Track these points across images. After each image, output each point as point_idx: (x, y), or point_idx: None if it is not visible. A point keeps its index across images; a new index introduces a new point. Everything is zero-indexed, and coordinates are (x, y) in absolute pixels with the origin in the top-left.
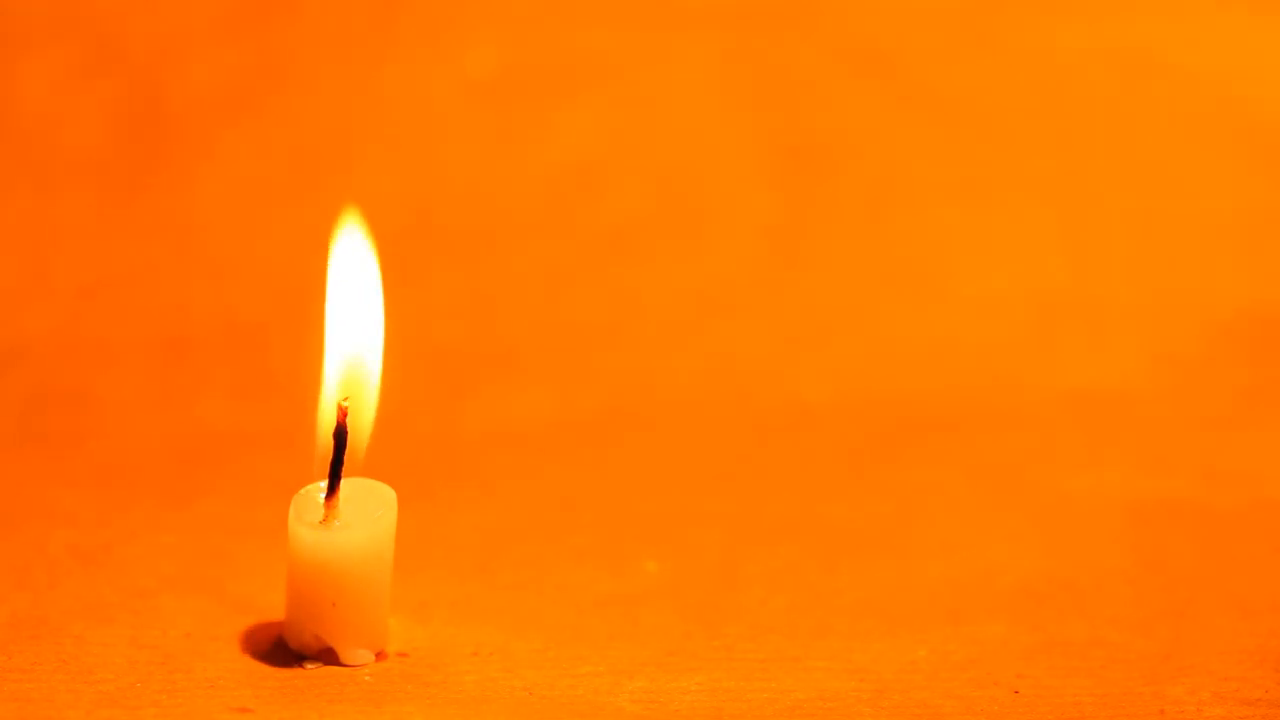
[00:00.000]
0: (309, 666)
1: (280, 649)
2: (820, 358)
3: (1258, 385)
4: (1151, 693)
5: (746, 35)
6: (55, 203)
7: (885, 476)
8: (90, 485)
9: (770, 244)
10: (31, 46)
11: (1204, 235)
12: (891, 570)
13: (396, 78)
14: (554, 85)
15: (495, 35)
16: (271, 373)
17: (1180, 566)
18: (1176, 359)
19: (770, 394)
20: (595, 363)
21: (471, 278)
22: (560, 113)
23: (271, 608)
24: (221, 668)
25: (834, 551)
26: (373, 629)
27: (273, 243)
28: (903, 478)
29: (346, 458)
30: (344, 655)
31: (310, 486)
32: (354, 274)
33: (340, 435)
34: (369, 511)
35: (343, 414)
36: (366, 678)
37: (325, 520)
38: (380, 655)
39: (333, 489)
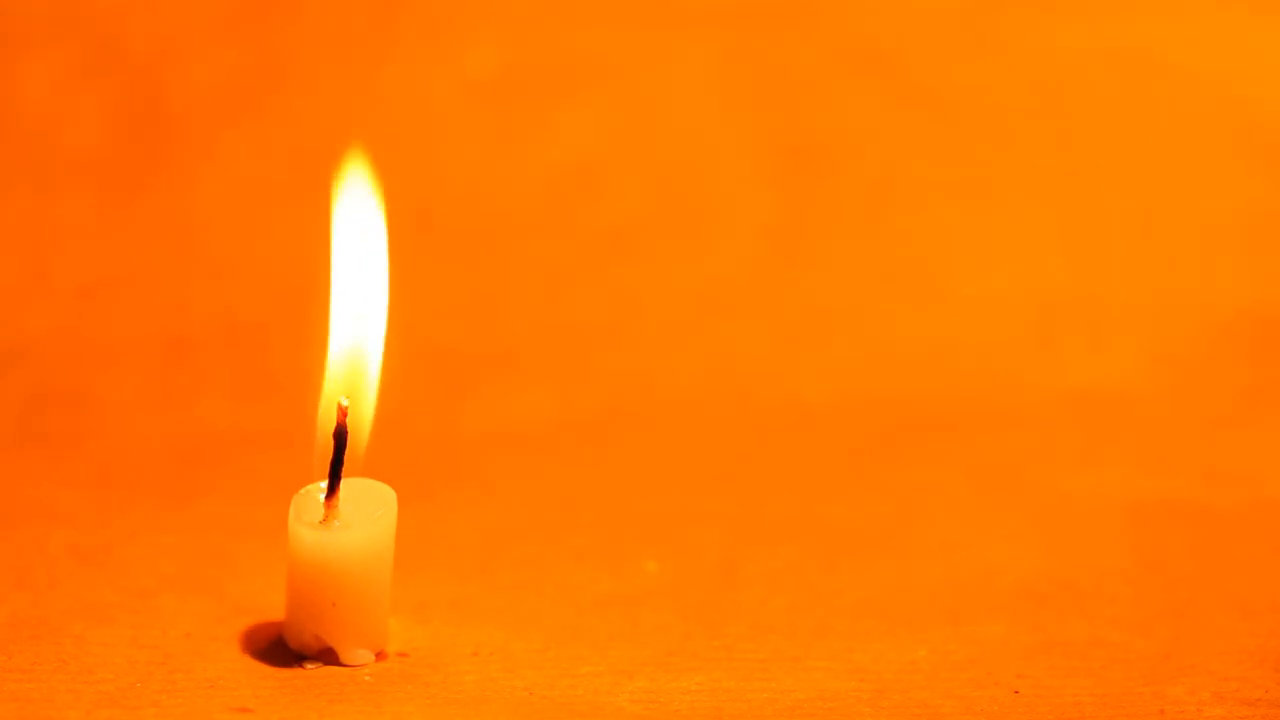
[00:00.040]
0: (309, 666)
1: (280, 649)
2: (820, 358)
3: (1258, 385)
4: (1151, 693)
5: (746, 35)
6: (55, 203)
7: (885, 476)
8: (90, 485)
9: (770, 244)
10: (31, 46)
11: (1204, 235)
12: (891, 570)
13: (396, 78)
14: (554, 85)
15: (495, 35)
16: (271, 373)
17: (1180, 566)
18: (1176, 359)
19: (770, 394)
20: (595, 363)
21: (471, 278)
22: (560, 113)
23: (271, 608)
24: (221, 668)
25: (834, 551)
26: (373, 629)
27: (273, 243)
28: (903, 478)
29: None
30: (344, 655)
31: (310, 486)
32: (360, 246)
33: (340, 435)
34: (369, 511)
35: (343, 414)
36: (366, 678)
37: (325, 520)
38: (380, 655)
39: (333, 489)
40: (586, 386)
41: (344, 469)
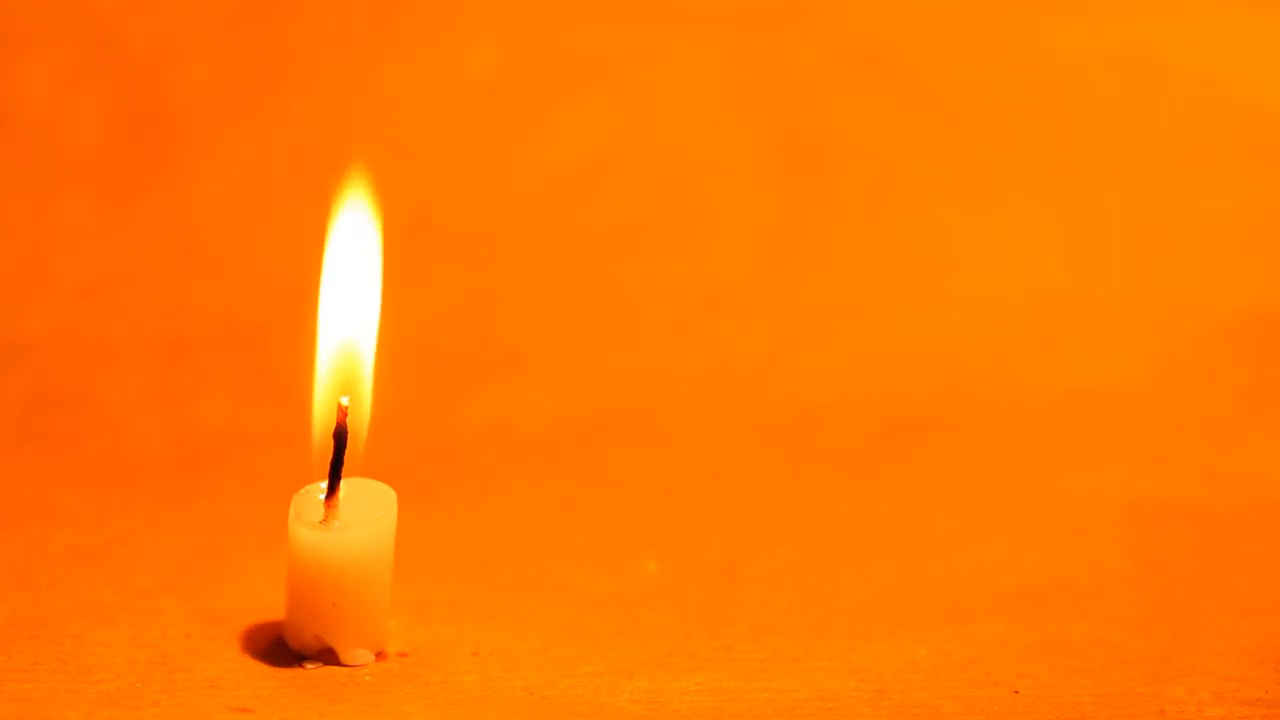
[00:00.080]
0: (309, 666)
1: (280, 649)
2: (820, 358)
3: (1258, 385)
4: (1151, 693)
5: (746, 35)
6: (55, 203)
7: (885, 476)
8: (90, 485)
9: (770, 244)
10: (31, 46)
11: (1204, 235)
12: (891, 570)
13: (396, 78)
14: (554, 85)
15: (495, 35)
16: (271, 373)
17: (1180, 566)
18: (1176, 359)
19: (770, 394)
20: (595, 363)
21: (471, 278)
22: (560, 113)
23: (271, 608)
24: (221, 668)
25: (834, 551)
26: (373, 629)
27: (273, 243)
28: (903, 478)
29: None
30: (344, 655)
31: (310, 486)
32: (354, 252)
33: (340, 435)
34: (369, 511)
35: (343, 414)
36: (366, 678)
37: (325, 520)
38: (380, 655)
39: (333, 489)
40: (586, 386)
41: (343, 469)
